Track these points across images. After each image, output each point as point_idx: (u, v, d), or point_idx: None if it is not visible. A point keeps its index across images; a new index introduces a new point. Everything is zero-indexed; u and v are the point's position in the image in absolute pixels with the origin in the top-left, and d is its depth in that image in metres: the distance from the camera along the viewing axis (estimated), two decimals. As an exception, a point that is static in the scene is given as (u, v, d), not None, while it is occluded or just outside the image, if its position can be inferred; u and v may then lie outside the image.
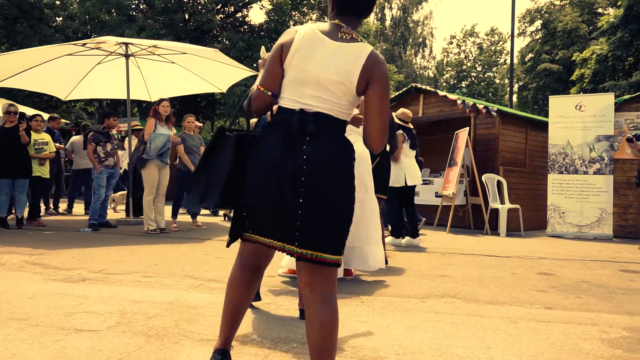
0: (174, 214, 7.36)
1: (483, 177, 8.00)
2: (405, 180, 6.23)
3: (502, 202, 8.00)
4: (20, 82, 7.75)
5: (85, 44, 7.29)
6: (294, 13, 21.64)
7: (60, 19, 19.99)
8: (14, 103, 7.07)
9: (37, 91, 10.50)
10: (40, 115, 7.93)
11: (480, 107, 8.30)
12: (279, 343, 2.52)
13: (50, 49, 7.43)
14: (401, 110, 6.51)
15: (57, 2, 19.97)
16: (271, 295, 3.49)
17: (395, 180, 6.30)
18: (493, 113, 8.10)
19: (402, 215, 6.56)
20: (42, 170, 7.54)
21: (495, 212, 8.03)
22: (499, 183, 8.12)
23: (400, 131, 6.33)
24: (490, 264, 5.05)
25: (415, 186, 6.43)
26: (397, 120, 6.38)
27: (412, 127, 6.47)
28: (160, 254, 4.97)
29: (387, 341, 2.59)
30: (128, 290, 3.51)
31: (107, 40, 7.21)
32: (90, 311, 2.97)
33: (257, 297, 3.26)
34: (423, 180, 9.12)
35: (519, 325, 2.93)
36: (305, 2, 21.33)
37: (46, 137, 7.73)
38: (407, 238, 6.34)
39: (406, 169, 6.26)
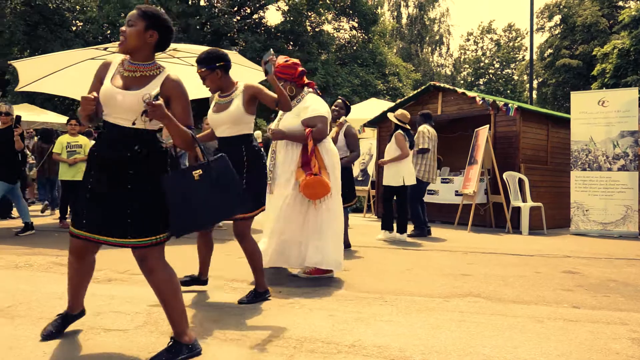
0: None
1: (504, 175, 7.91)
2: (404, 180, 6.41)
3: (524, 200, 7.91)
4: (44, 86, 7.89)
5: (107, 48, 7.40)
6: (310, 13, 21.68)
7: (81, 23, 20.32)
8: (9, 104, 6.72)
9: (60, 95, 10.68)
10: (75, 119, 8.04)
11: (500, 104, 8.21)
12: (304, 342, 2.53)
13: (73, 53, 7.55)
14: (400, 111, 6.69)
15: (77, 7, 20.30)
16: (294, 296, 3.50)
17: (392, 180, 6.47)
18: (511, 113, 8.00)
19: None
20: (74, 174, 7.32)
21: (517, 211, 7.93)
22: (520, 181, 8.03)
23: (400, 131, 6.37)
24: (514, 263, 5.00)
25: (409, 185, 6.56)
26: (395, 121, 6.45)
27: (409, 127, 6.53)
28: (183, 255, 5.02)
29: (413, 341, 2.58)
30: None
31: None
32: (118, 311, 3.02)
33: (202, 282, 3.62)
34: (442, 179, 9.08)
35: (545, 325, 2.89)
36: (321, 2, 21.34)
37: (82, 140, 7.64)
38: (392, 233, 6.60)
39: (405, 169, 6.41)
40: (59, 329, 2.54)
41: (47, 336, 2.48)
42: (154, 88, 2.23)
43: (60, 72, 7.55)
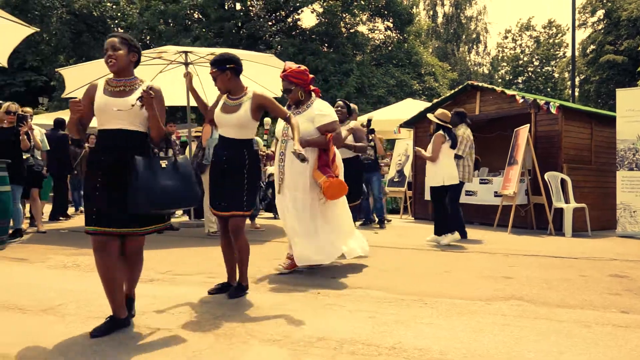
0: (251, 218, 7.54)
1: (546, 176, 7.70)
2: (445, 180, 6.25)
3: (567, 201, 7.68)
4: (88, 93, 8.16)
5: (147, 54, 7.59)
6: (344, 15, 21.67)
7: (122, 30, 20.95)
8: (16, 104, 6.49)
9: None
10: None
11: (541, 102, 8.00)
12: (344, 344, 2.53)
13: (116, 60, 7.77)
14: (440, 110, 6.52)
15: (118, 14, 20.94)
16: (333, 297, 3.50)
17: (432, 180, 6.34)
18: (552, 111, 7.78)
19: (458, 213, 6.68)
20: None
21: (559, 212, 7.71)
22: (562, 181, 7.80)
23: (440, 132, 6.26)
24: (557, 265, 4.86)
25: (451, 185, 6.36)
26: (436, 121, 6.32)
27: (451, 127, 6.39)
28: (221, 256, 5.10)
29: (454, 344, 2.55)
30: (194, 291, 3.63)
31: (167, 49, 7.48)
32: (161, 310, 3.09)
33: None
34: (481, 179, 8.92)
35: (593, 330, 2.80)
36: (355, 3, 21.31)
37: None
38: (448, 236, 6.31)
39: (444, 169, 6.26)
40: (107, 331, 2.64)
41: (96, 335, 2.60)
42: (139, 94, 2.70)
43: (103, 79, 7.79)
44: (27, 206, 7.59)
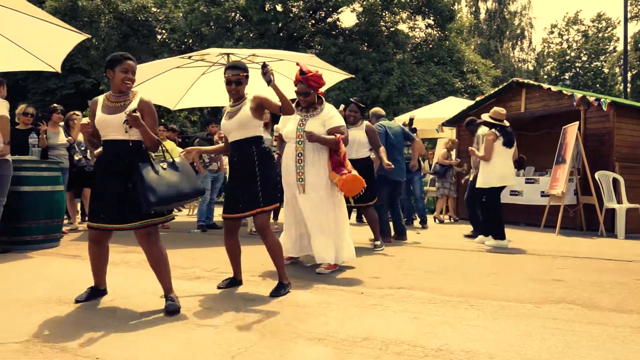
0: (275, 215, 7.60)
1: (596, 175, 7.42)
2: (495, 181, 6.02)
3: (619, 202, 7.37)
4: (135, 95, 8.42)
5: (191, 56, 7.76)
6: (384, 13, 21.50)
7: (166, 32, 21.49)
8: (31, 106, 6.67)
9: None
10: (163, 125, 8.57)
11: (591, 99, 7.71)
12: (389, 345, 2.51)
13: (161, 63, 8.00)
14: (494, 109, 6.23)
15: (162, 17, 21.48)
16: (377, 297, 3.48)
17: (482, 182, 6.09)
18: (604, 108, 7.48)
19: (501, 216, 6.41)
20: None
21: (610, 213, 7.41)
22: (614, 181, 7.49)
23: (493, 130, 6.07)
24: (610, 268, 4.67)
25: (504, 187, 6.16)
26: (489, 120, 6.13)
27: (507, 124, 6.16)
28: (264, 255, 5.13)
29: (503, 347, 2.48)
30: (239, 288, 3.68)
31: (210, 52, 7.63)
32: (208, 307, 3.15)
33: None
34: (527, 179, 8.67)
35: (651, 336, 2.67)
36: (395, 1, 21.11)
37: (167, 144, 8.21)
38: (495, 241, 6.08)
39: (496, 170, 6.01)
40: (89, 297, 3.30)
41: (79, 301, 3.24)
42: (132, 107, 3.08)
43: (149, 81, 8.02)
44: (78, 204, 7.90)
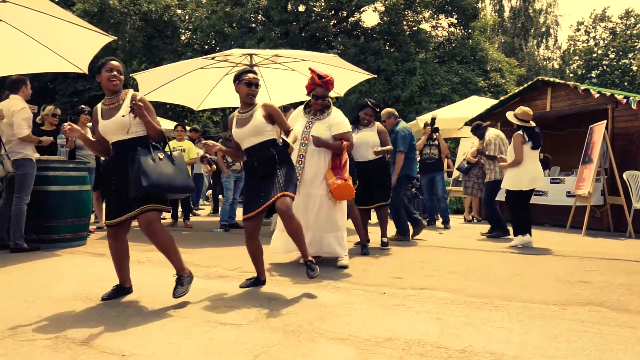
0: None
1: (624, 175, 7.25)
2: (526, 184, 5.93)
3: (649, 202, 7.19)
4: (159, 96, 8.53)
5: (214, 57, 7.84)
6: (406, 12, 21.37)
7: (189, 32, 21.74)
8: (59, 107, 6.91)
9: (173, 103, 11.49)
10: (181, 125, 8.69)
11: (620, 97, 7.54)
12: (412, 345, 2.49)
13: (185, 64, 8.09)
14: (520, 109, 6.09)
15: (186, 18, 21.75)
16: (399, 297, 3.46)
17: (511, 184, 6.00)
18: (633, 106, 7.30)
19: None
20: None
21: (639, 213, 7.23)
22: (644, 181, 7.31)
23: (519, 132, 5.97)
24: (639, 271, 4.56)
25: (528, 190, 6.06)
26: (515, 121, 6.01)
27: (534, 124, 6.05)
28: (287, 255, 5.17)
29: (529, 349, 2.45)
30: (262, 288, 3.71)
31: (233, 52, 7.69)
32: (231, 306, 3.18)
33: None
34: (552, 179, 8.52)
35: (683, 340, 2.60)
36: (418, 0, 20.95)
37: (186, 144, 8.35)
38: (518, 237, 6.02)
39: (526, 173, 5.91)
40: (115, 295, 3.38)
41: (106, 298, 3.32)
42: (127, 106, 3.21)
43: (173, 82, 8.12)
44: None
